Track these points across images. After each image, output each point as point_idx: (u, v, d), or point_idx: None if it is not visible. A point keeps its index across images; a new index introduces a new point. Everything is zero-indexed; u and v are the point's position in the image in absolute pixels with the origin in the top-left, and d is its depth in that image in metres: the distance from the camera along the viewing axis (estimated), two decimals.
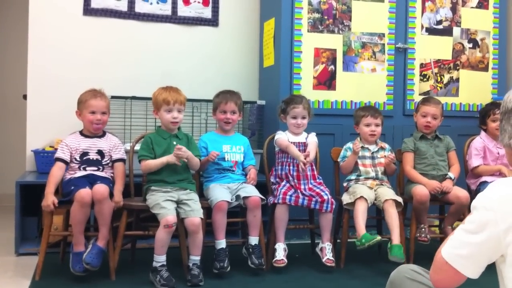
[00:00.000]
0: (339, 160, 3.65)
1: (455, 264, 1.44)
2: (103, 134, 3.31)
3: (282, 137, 3.51)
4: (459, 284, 1.48)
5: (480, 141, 3.79)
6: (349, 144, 3.64)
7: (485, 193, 1.45)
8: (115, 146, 3.31)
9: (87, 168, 3.18)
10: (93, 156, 3.22)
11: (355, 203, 3.37)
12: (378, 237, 3.23)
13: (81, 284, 2.96)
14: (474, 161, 3.73)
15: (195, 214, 3.06)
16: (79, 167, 3.18)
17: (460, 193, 3.46)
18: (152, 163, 3.18)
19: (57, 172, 3.14)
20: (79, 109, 3.26)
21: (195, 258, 3.09)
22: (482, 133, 3.86)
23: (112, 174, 3.27)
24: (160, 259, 3.01)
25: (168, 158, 3.15)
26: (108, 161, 3.27)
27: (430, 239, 3.50)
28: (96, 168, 3.20)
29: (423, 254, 3.53)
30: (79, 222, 3.00)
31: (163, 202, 3.03)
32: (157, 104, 3.24)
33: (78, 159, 3.19)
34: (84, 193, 2.96)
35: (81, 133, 3.28)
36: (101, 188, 3.02)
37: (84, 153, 3.21)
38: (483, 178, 3.65)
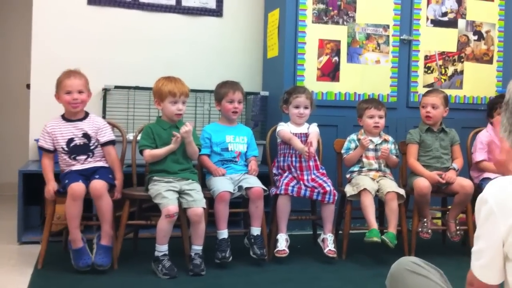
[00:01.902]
0: (342, 152, 3.64)
1: (480, 276, 1.44)
2: (85, 116, 3.23)
3: (284, 129, 3.50)
4: None
5: (486, 134, 3.76)
6: (353, 136, 3.63)
7: (484, 194, 1.44)
8: (100, 129, 3.21)
9: (78, 158, 3.14)
10: (79, 140, 3.15)
11: (361, 197, 3.38)
12: (377, 240, 3.25)
13: (83, 273, 2.97)
14: (478, 155, 3.71)
15: (197, 204, 3.06)
16: (69, 157, 3.14)
17: (464, 182, 3.47)
18: (158, 152, 3.17)
19: (48, 162, 3.16)
20: (56, 92, 3.18)
21: (197, 248, 3.10)
22: (489, 126, 3.84)
23: (104, 158, 3.23)
24: (162, 248, 3.02)
25: (174, 143, 3.14)
26: (96, 144, 3.20)
27: (432, 234, 3.51)
28: (86, 156, 3.16)
29: (424, 247, 3.55)
30: (73, 217, 2.98)
31: (165, 192, 3.03)
32: (161, 95, 3.19)
33: (66, 148, 3.14)
34: (75, 186, 2.95)
35: (63, 117, 3.21)
36: (98, 185, 3.00)
37: (70, 139, 3.15)
38: (486, 174, 3.63)
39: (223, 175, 3.33)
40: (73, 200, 2.95)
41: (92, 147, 3.19)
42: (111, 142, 3.25)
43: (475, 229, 1.49)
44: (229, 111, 3.49)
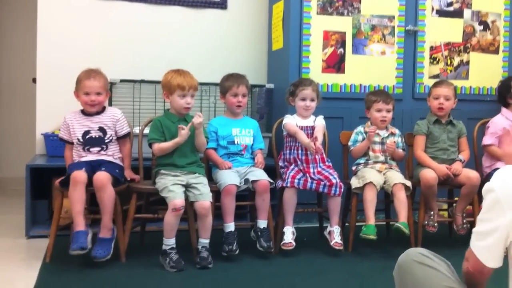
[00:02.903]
0: (349, 144, 3.63)
1: (480, 256, 1.51)
2: (102, 110, 3.29)
3: (290, 122, 3.50)
4: (485, 273, 1.56)
5: (501, 119, 3.78)
6: (360, 128, 3.63)
7: (491, 184, 1.48)
8: (119, 120, 3.29)
9: (91, 149, 3.19)
10: (95, 133, 3.21)
11: (364, 190, 3.37)
12: (373, 238, 3.27)
13: (91, 266, 2.99)
14: (487, 139, 3.72)
15: (204, 198, 3.07)
16: (83, 148, 3.19)
17: (470, 173, 3.46)
18: (166, 145, 3.17)
19: (69, 153, 3.27)
20: (76, 89, 3.24)
21: (205, 241, 3.11)
22: (503, 109, 3.83)
23: (119, 155, 3.29)
24: (169, 242, 3.04)
25: (180, 136, 3.14)
26: (111, 138, 3.25)
27: (438, 226, 3.51)
28: (99, 148, 3.20)
29: (431, 239, 3.55)
30: (76, 203, 2.99)
31: (171, 186, 3.04)
32: (170, 88, 3.20)
33: (81, 140, 3.19)
34: (77, 174, 2.97)
35: (82, 111, 3.27)
36: (100, 176, 3.02)
37: (86, 131, 3.20)
38: (498, 164, 3.60)
39: (230, 168, 3.33)
40: (74, 186, 2.97)
41: (106, 141, 3.23)
42: (128, 134, 3.36)
43: None
44: (233, 105, 3.50)
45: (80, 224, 2.99)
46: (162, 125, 3.23)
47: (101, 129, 3.23)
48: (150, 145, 3.24)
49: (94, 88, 3.19)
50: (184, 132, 3.13)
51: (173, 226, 3.02)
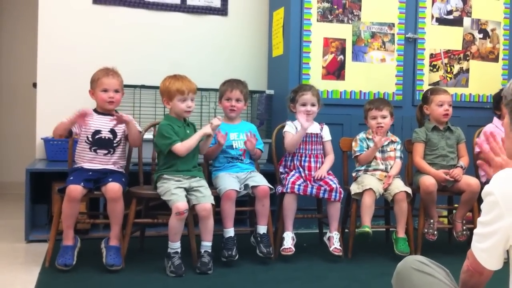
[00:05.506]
0: (356, 150, 3.60)
1: (479, 258, 1.52)
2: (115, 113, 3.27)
3: (289, 131, 3.51)
4: (484, 274, 1.57)
5: (491, 127, 3.78)
6: (362, 135, 3.62)
7: (489, 187, 1.48)
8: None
9: (98, 151, 3.16)
10: (105, 134, 3.19)
11: (363, 196, 3.38)
12: (368, 230, 3.29)
13: (90, 271, 2.99)
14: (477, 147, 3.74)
15: (206, 200, 3.07)
16: (90, 148, 3.16)
17: (471, 180, 3.46)
18: (189, 142, 3.17)
19: (64, 122, 3.13)
20: (92, 88, 3.23)
21: (207, 244, 3.11)
22: (495, 119, 3.84)
23: (123, 162, 3.28)
24: (174, 246, 3.04)
25: (205, 130, 3.21)
26: (120, 141, 3.23)
27: (438, 234, 3.51)
28: (106, 151, 3.18)
29: (430, 246, 3.55)
30: (68, 217, 3.02)
31: (174, 189, 3.05)
32: (169, 94, 3.20)
33: (90, 139, 3.17)
34: (73, 188, 2.98)
35: (95, 110, 3.25)
36: (115, 187, 3.04)
37: (97, 131, 3.18)
38: None
39: (224, 139, 3.34)
40: (68, 201, 2.99)
41: (115, 144, 3.22)
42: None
43: None
44: (226, 109, 3.52)
45: (69, 238, 3.06)
46: (173, 128, 3.22)
47: (112, 131, 3.21)
48: (168, 150, 3.15)
49: (112, 85, 3.20)
50: (216, 122, 3.23)
51: (177, 230, 3.02)
